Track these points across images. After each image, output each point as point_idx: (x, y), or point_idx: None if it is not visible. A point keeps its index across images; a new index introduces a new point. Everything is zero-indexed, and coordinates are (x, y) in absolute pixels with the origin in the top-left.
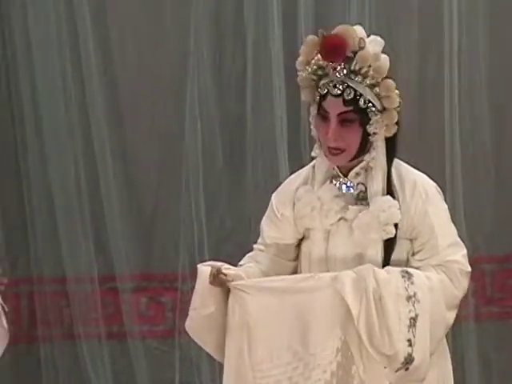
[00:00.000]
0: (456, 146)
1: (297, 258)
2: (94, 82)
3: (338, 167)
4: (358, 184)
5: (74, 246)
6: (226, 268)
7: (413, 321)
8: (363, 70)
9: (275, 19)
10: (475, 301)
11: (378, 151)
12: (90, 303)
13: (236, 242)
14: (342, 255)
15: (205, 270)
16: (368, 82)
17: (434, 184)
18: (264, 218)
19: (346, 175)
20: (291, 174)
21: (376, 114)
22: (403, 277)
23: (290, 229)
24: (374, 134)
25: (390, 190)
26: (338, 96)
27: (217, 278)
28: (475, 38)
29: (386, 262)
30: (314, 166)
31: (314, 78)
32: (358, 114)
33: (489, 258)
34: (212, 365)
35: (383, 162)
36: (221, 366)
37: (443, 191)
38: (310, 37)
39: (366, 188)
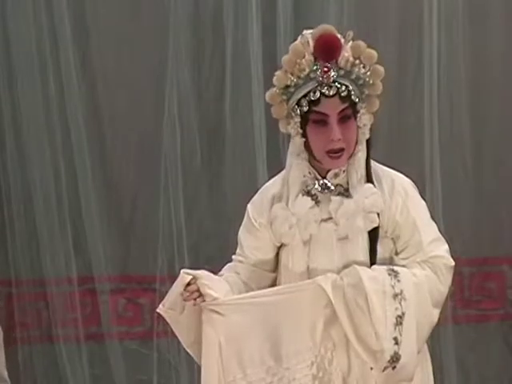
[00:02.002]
0: (435, 149)
1: (276, 268)
2: (72, 84)
3: (315, 169)
4: (336, 185)
5: (52, 247)
6: (204, 284)
7: (399, 319)
8: (350, 61)
9: (254, 24)
10: (453, 303)
11: (363, 143)
12: (69, 304)
13: (215, 243)
14: (325, 260)
15: (185, 277)
16: (355, 74)
17: (410, 181)
18: (241, 228)
19: (323, 177)
20: (269, 176)
21: (361, 106)
22: (389, 275)
23: (269, 236)
24: (364, 125)
25: (370, 181)
26: (333, 96)
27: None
28: (455, 37)
29: (373, 256)
30: (285, 179)
31: (292, 90)
32: (351, 109)
33: (467, 261)
34: (190, 367)
35: (365, 153)
36: (199, 368)
37: (422, 193)
38: (295, 43)
39: (344, 189)
